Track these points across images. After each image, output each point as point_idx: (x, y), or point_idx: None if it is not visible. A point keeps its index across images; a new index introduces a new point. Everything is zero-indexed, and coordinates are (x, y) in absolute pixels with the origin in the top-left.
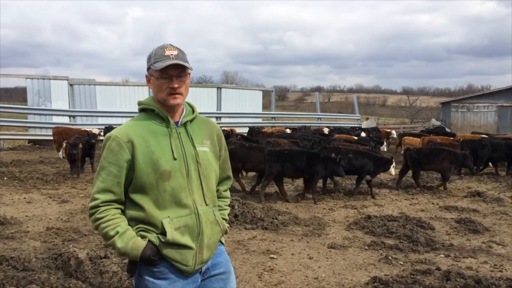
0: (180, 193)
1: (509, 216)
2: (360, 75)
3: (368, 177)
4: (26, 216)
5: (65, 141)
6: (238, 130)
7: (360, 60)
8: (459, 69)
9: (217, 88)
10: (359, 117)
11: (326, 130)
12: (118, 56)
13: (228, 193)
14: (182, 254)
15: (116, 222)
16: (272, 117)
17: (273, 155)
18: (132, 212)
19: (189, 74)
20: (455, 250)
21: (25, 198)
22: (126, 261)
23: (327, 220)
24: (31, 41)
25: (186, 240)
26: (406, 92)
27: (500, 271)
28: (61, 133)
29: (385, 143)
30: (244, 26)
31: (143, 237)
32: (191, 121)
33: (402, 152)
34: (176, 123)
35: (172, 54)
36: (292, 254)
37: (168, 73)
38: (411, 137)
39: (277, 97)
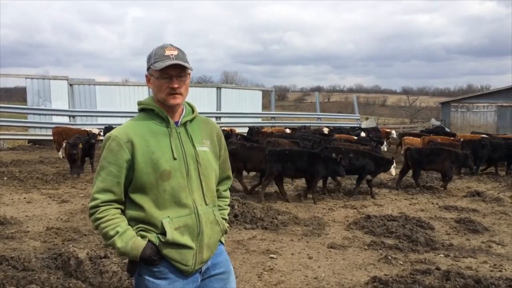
0: (180, 193)
1: (508, 216)
2: (360, 75)
3: (368, 177)
4: (26, 216)
5: (65, 141)
6: (238, 130)
7: (360, 60)
8: (459, 69)
9: (217, 88)
10: (359, 117)
11: (326, 130)
12: (118, 56)
13: (228, 193)
14: (182, 254)
15: (116, 222)
16: (272, 117)
17: (274, 155)
18: (132, 212)
19: (189, 74)
20: (454, 250)
21: (25, 198)
22: (126, 261)
23: (327, 220)
24: (31, 41)
25: (186, 240)
26: (406, 92)
27: (500, 271)
28: (61, 133)
29: (385, 143)
30: (244, 26)
31: (143, 237)
32: (191, 121)
33: (402, 152)
34: (176, 123)
35: (172, 54)
36: (292, 254)
37: (168, 73)
38: (411, 137)
39: (277, 97)
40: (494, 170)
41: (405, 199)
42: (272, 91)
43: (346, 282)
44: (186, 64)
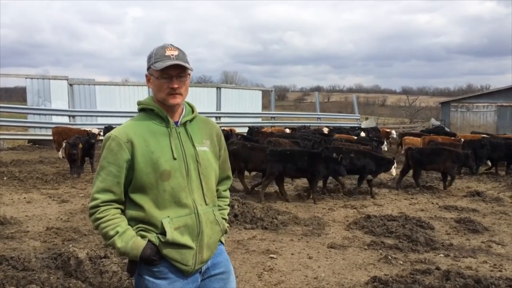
0: (180, 193)
1: (508, 216)
2: (360, 75)
3: (369, 176)
4: (26, 216)
5: (65, 141)
6: (238, 130)
7: (359, 60)
8: (459, 69)
9: (217, 88)
10: (359, 117)
11: (325, 130)
12: (118, 56)
13: (227, 193)
14: (182, 254)
15: (116, 222)
16: (271, 117)
17: (274, 155)
18: (132, 212)
19: (189, 74)
20: (454, 249)
21: (25, 198)
22: (126, 260)
23: (327, 220)
24: (30, 41)
25: (186, 240)
26: (406, 92)
27: (500, 271)
28: (60, 133)
29: (385, 143)
30: (244, 26)
31: (143, 237)
32: (190, 120)
33: (403, 152)
34: (176, 123)
35: (172, 55)
36: (292, 254)
37: (168, 73)
38: (411, 137)
39: (277, 97)
40: (494, 170)
41: (405, 199)
42: (272, 91)
43: (346, 282)
44: (186, 65)
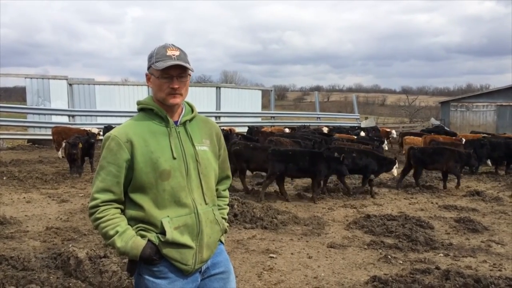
0: (180, 193)
1: (508, 215)
2: (359, 75)
3: (371, 176)
4: (26, 215)
5: (65, 140)
6: (237, 130)
7: (359, 59)
8: (458, 68)
9: (216, 87)
10: (358, 117)
11: (325, 130)
12: (117, 55)
13: (227, 193)
14: (182, 253)
15: (115, 221)
16: (271, 117)
17: (276, 154)
18: (131, 212)
19: (190, 75)
20: (454, 249)
21: (24, 197)
22: (126, 260)
23: (327, 219)
24: (30, 40)
25: (185, 239)
26: (405, 91)
27: (499, 270)
28: (60, 132)
29: (386, 143)
30: (243, 25)
31: (142, 236)
32: (190, 120)
33: (404, 152)
34: (176, 122)
35: (174, 55)
36: (292, 254)
37: (169, 73)
38: (412, 136)
39: (276, 97)
40: (494, 169)
41: (404, 198)
42: (271, 90)
43: (346, 282)
44: (187, 65)
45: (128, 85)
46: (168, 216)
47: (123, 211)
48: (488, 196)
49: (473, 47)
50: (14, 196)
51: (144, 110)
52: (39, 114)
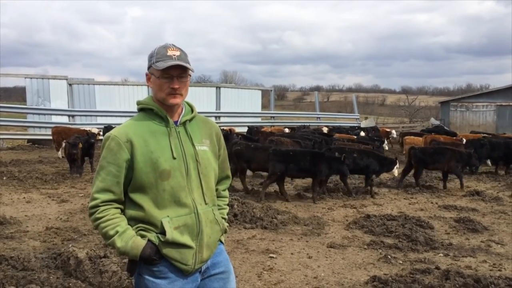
0: (180, 193)
1: (508, 215)
2: (359, 75)
3: (373, 176)
4: (26, 215)
5: (65, 140)
6: (237, 130)
7: (359, 59)
8: (458, 68)
9: (216, 87)
10: (358, 117)
11: (325, 130)
12: (117, 55)
13: (227, 193)
14: (182, 253)
15: (115, 221)
16: (271, 117)
17: (277, 155)
18: (131, 212)
19: (190, 75)
20: (454, 249)
21: (24, 197)
22: (126, 260)
23: (327, 219)
24: (30, 40)
25: (185, 239)
26: (405, 91)
27: (499, 270)
28: (60, 132)
29: (386, 143)
30: (243, 25)
31: (142, 236)
32: (190, 120)
33: (404, 152)
34: (176, 122)
35: (174, 55)
36: (292, 254)
37: (170, 73)
38: (412, 136)
39: (276, 97)
40: (494, 169)
41: (404, 198)
42: (271, 90)
43: (345, 282)
44: (188, 66)
45: (128, 85)
46: (168, 216)
47: (123, 211)
48: (488, 196)
49: (473, 47)
50: (14, 196)
51: (144, 110)
52: (39, 114)
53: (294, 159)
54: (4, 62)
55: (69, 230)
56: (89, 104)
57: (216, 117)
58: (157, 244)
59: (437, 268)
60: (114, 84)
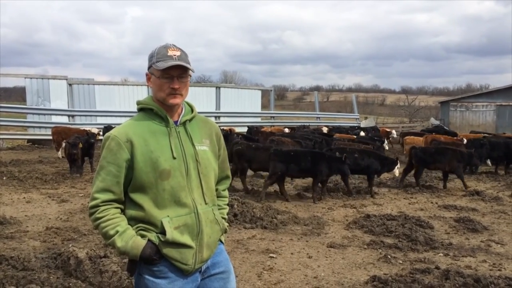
0: (180, 192)
1: (508, 215)
2: (359, 74)
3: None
4: (26, 215)
5: (65, 140)
6: (237, 130)
7: (358, 59)
8: (458, 68)
9: (216, 87)
10: (358, 116)
11: (325, 130)
12: (117, 55)
13: (226, 193)
14: (182, 253)
15: (116, 221)
16: (271, 117)
17: (278, 155)
18: (131, 212)
19: (190, 75)
20: (454, 249)
21: (24, 197)
22: (126, 260)
23: (326, 219)
24: (30, 40)
25: (185, 239)
26: (405, 91)
27: (499, 270)
28: (60, 132)
29: (386, 143)
30: (243, 25)
31: (142, 236)
32: (190, 120)
33: (405, 152)
34: (175, 122)
35: (175, 55)
36: (292, 253)
37: (170, 74)
38: (412, 136)
39: (276, 97)
40: (494, 169)
41: (404, 198)
42: (271, 90)
43: (345, 281)
44: (188, 66)
45: (128, 85)
46: (168, 216)
47: (123, 211)
48: (488, 196)
49: (473, 47)
50: (14, 196)
51: (144, 110)
52: (38, 114)
53: (295, 159)
54: (4, 62)
55: (69, 230)
56: (89, 104)
57: (216, 117)
58: (157, 244)
59: (437, 268)
60: (114, 84)
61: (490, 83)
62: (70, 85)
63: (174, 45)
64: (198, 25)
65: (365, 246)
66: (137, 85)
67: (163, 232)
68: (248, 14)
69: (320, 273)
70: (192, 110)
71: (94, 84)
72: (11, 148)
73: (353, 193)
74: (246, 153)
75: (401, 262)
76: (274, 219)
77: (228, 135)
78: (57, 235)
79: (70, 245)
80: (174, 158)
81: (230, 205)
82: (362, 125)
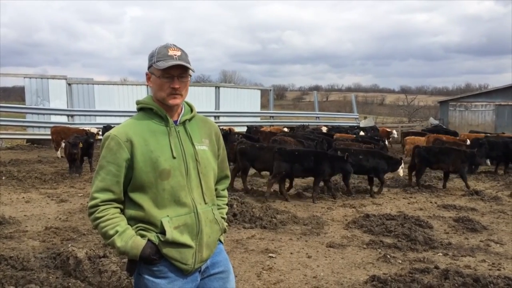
0: (180, 192)
1: (507, 215)
2: (358, 74)
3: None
4: (25, 215)
5: (64, 140)
6: (237, 129)
7: (358, 59)
8: (457, 68)
9: (216, 87)
10: (357, 116)
11: (324, 129)
12: (116, 55)
13: (226, 192)
14: (182, 253)
15: (115, 221)
16: (270, 116)
17: (283, 154)
18: (131, 211)
19: (190, 75)
20: (453, 248)
21: (23, 197)
22: (126, 260)
23: (326, 219)
24: (29, 40)
25: (185, 239)
26: (404, 91)
27: (498, 270)
28: (59, 132)
29: (386, 142)
30: (243, 25)
31: (142, 236)
32: (189, 120)
33: (405, 152)
34: (175, 122)
35: (175, 55)
36: (291, 253)
37: (170, 73)
38: (413, 136)
39: (276, 96)
40: (494, 169)
41: (403, 198)
42: (270, 90)
43: (345, 281)
44: (189, 66)
45: (127, 84)
46: (167, 216)
47: (122, 211)
48: (487, 196)
49: (472, 46)
50: (13, 196)
51: (144, 109)
52: (38, 114)
53: (299, 159)
54: (3, 62)
55: (68, 230)
56: (88, 103)
57: (215, 116)
58: (157, 243)
59: (436, 267)
60: (113, 84)
61: (489, 83)
62: (69, 84)
63: (175, 45)
64: (198, 25)
65: (365, 246)
66: (136, 84)
67: (162, 232)
68: (248, 14)
69: (319, 273)
70: (191, 110)
71: (93, 84)
72: (10, 147)
73: (352, 193)
74: (250, 153)
75: (400, 261)
76: (273, 219)
77: (227, 134)
78: (56, 235)
79: (69, 245)
80: (174, 157)
81: (230, 204)
82: (361, 125)
